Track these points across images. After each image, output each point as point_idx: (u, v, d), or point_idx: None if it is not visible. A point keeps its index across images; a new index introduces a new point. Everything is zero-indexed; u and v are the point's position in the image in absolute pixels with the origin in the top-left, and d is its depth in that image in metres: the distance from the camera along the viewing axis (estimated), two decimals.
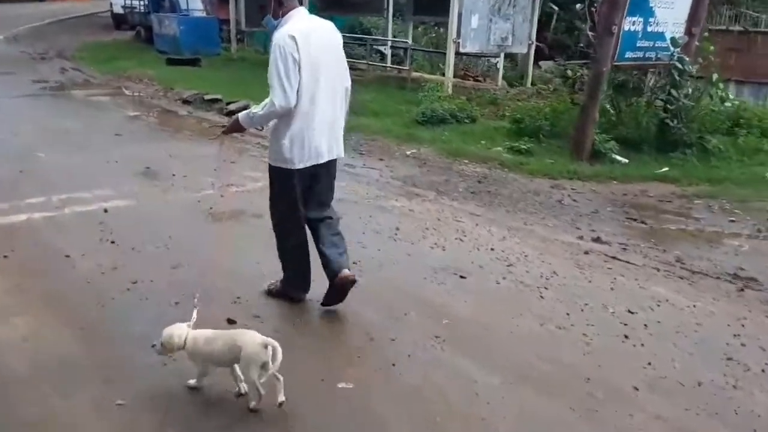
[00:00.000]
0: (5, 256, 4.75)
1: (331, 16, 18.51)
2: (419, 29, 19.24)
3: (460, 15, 12.35)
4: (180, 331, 3.15)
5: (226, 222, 5.73)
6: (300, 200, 3.90)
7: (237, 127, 3.90)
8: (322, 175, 3.94)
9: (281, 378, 3.04)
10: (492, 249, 5.30)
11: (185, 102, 11.81)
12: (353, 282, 4.00)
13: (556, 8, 17.02)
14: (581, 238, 5.71)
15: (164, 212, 5.92)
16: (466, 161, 8.15)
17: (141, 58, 17.83)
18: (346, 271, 3.95)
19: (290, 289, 4.19)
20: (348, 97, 4.02)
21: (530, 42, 14.01)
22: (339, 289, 3.99)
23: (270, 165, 3.93)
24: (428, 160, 8.18)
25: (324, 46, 3.74)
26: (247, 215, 5.82)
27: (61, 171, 6.98)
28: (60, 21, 30.32)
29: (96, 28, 27.87)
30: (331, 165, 3.99)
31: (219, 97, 11.57)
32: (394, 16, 17.02)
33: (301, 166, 3.78)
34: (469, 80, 15.27)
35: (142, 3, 22.44)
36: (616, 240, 5.68)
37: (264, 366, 2.97)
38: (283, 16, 3.73)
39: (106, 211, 5.75)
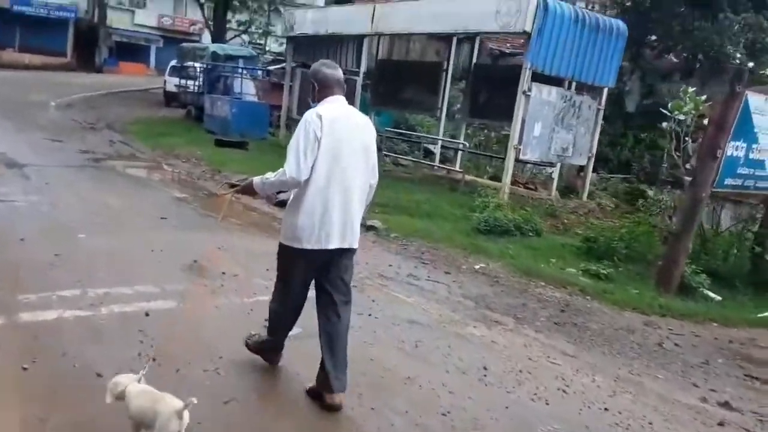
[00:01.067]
0: (25, 368, 3.88)
1: (378, 112, 18.85)
2: (468, 130, 18.81)
3: (523, 122, 11.77)
4: (124, 380, 3.13)
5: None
6: (303, 280, 3.83)
7: (250, 190, 3.88)
8: (332, 262, 3.78)
9: None
10: (605, 409, 4.30)
11: (232, 186, 11.13)
12: (339, 409, 3.79)
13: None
14: (705, 400, 4.71)
15: (213, 322, 5.04)
16: (542, 283, 7.23)
17: (190, 136, 17.51)
18: (335, 398, 3.78)
19: (267, 352, 4.20)
20: (371, 195, 3.95)
21: (590, 155, 13.35)
22: (325, 407, 3.81)
23: (279, 242, 3.86)
24: (499, 278, 7.28)
25: (351, 134, 3.71)
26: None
27: (100, 257, 6.18)
28: (113, 93, 30.65)
29: (147, 104, 28.07)
30: (343, 253, 3.80)
31: None
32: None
33: (308, 247, 3.67)
34: (519, 187, 14.60)
35: (196, 83, 22.46)
36: (746, 407, 4.67)
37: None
38: (319, 100, 3.77)
39: (147, 314, 4.88)
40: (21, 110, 19.70)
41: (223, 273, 6.15)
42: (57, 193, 8.91)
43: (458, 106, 17.59)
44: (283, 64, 24.61)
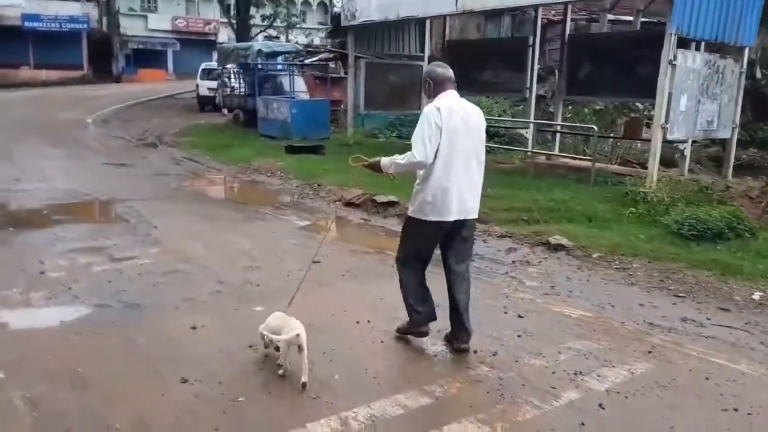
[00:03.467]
0: None
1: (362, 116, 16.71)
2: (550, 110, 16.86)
3: (669, 96, 9.89)
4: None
5: None
6: (425, 247, 4.31)
7: (377, 167, 4.27)
8: (455, 232, 4.21)
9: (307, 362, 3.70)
10: None
11: (349, 205, 9.35)
12: (467, 351, 4.31)
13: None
14: None
15: None
16: None
17: (253, 145, 15.70)
18: (462, 345, 4.31)
19: (414, 325, 4.44)
20: (482, 170, 4.26)
21: (734, 125, 11.46)
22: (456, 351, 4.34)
23: (408, 215, 4.33)
24: None
25: (465, 122, 4.09)
26: None
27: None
28: (141, 103, 28.89)
29: (180, 110, 26.28)
30: (463, 224, 4.21)
31: (394, 199, 9.10)
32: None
33: (432, 219, 4.11)
34: (634, 167, 12.76)
35: (241, 86, 20.59)
36: None
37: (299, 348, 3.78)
38: (436, 95, 4.17)
39: None
40: (59, 132, 17.96)
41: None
42: (174, 240, 7.15)
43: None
44: (320, 56, 22.81)
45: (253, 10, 29.32)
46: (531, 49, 13.95)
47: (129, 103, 28.17)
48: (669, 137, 10.28)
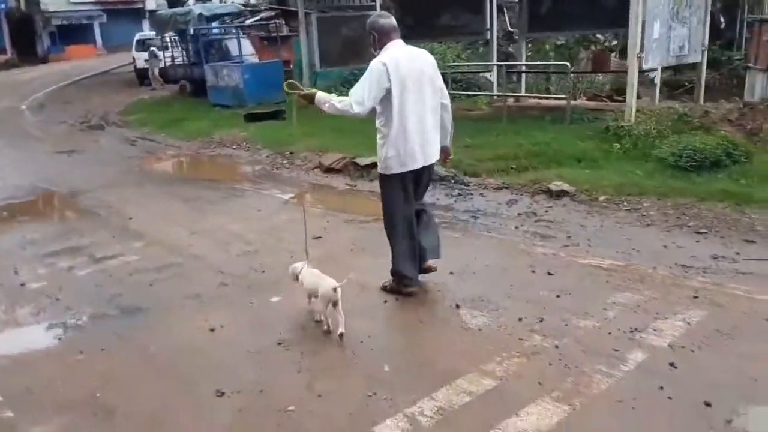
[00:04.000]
0: None
1: (317, 74, 16.00)
2: (510, 48, 16.51)
3: (643, 24, 9.63)
4: (299, 265, 4.31)
5: None
6: (403, 196, 4.39)
7: (311, 99, 4.24)
8: (420, 177, 4.43)
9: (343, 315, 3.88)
10: None
11: (329, 171, 8.90)
12: (433, 270, 4.62)
13: None
14: None
15: None
16: None
17: (207, 116, 14.91)
18: (429, 262, 4.58)
19: (401, 270, 4.48)
20: (448, 112, 4.47)
21: (704, 48, 11.31)
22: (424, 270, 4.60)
23: (379, 173, 4.50)
24: None
25: (412, 70, 4.17)
26: None
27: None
28: (75, 83, 27.35)
29: (119, 86, 24.91)
30: (426, 169, 4.43)
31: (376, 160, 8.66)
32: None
33: (398, 171, 4.29)
34: (603, 101, 12.59)
35: (184, 55, 19.52)
36: None
37: (334, 304, 3.90)
38: (382, 47, 4.22)
39: None
40: None
41: None
42: (156, 230, 6.62)
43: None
44: (261, 15, 21.89)
45: None
46: None
47: (62, 84, 26.64)
48: (645, 66, 10.07)
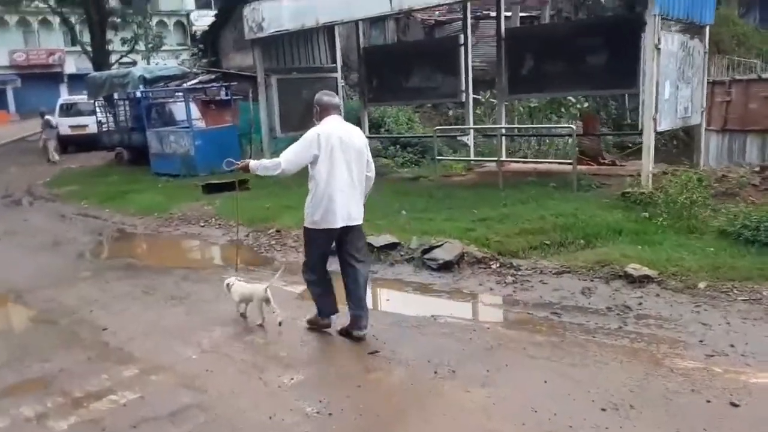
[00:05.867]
0: None
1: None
2: (478, 110, 15.68)
3: (657, 83, 8.92)
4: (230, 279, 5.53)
5: None
6: (322, 250, 4.90)
7: (246, 169, 4.89)
8: (343, 236, 4.84)
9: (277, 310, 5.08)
10: None
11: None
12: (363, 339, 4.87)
13: None
14: None
15: None
16: None
17: (154, 187, 13.22)
18: (358, 333, 4.87)
19: (320, 317, 5.10)
20: (370, 184, 5.00)
21: (702, 109, 10.76)
22: (354, 338, 4.91)
23: (304, 226, 4.91)
24: None
25: (343, 143, 4.71)
26: None
27: None
28: None
29: (39, 155, 22.23)
30: (351, 229, 4.82)
31: (395, 240, 7.30)
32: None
33: (321, 227, 4.75)
34: (604, 165, 11.84)
35: (111, 120, 17.76)
36: None
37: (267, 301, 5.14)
38: (321, 119, 4.82)
39: None
40: None
41: None
42: (146, 347, 4.98)
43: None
44: (200, 78, 20.43)
45: (110, 34, 25.94)
46: (463, 48, 12.63)
47: None
48: (658, 129, 9.31)
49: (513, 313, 5.34)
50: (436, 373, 4.21)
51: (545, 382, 3.95)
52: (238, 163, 4.94)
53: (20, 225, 10.96)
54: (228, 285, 5.42)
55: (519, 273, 6.22)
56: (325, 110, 4.82)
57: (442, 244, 6.91)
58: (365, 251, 5.14)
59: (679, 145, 15.52)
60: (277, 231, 8.63)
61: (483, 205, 8.84)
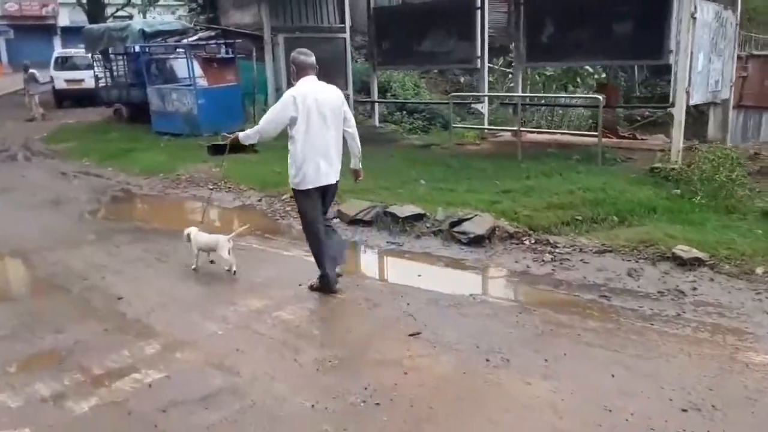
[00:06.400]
0: None
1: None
2: (491, 77, 15.13)
3: (691, 54, 8.47)
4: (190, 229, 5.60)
5: None
6: (313, 207, 4.95)
7: (236, 141, 5.01)
8: (324, 193, 4.97)
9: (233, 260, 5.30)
10: None
11: (354, 223, 7.05)
12: (339, 276, 5.12)
13: None
14: None
15: None
16: None
17: (156, 146, 12.75)
18: (336, 271, 5.09)
19: (323, 269, 5.02)
20: (355, 138, 5.01)
21: (731, 84, 10.33)
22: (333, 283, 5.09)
23: (292, 189, 5.01)
24: None
25: (319, 103, 4.69)
26: None
27: None
28: None
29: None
30: (328, 187, 4.95)
31: (420, 210, 6.90)
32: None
33: (304, 187, 4.84)
34: (624, 139, 11.44)
35: (107, 75, 17.08)
36: None
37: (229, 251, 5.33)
38: (298, 78, 4.79)
39: None
40: None
41: None
42: (165, 319, 4.60)
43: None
44: (200, 35, 19.67)
45: None
46: (479, 12, 12.06)
47: None
48: (691, 102, 8.88)
49: (558, 295, 4.96)
50: (488, 360, 3.84)
51: (612, 376, 3.60)
52: (230, 136, 5.10)
53: (19, 182, 10.47)
54: (188, 235, 5.51)
55: (557, 251, 5.84)
56: (302, 70, 4.78)
57: (471, 217, 6.51)
58: (328, 208, 5.29)
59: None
60: (291, 197, 8.19)
61: (504, 176, 8.44)
